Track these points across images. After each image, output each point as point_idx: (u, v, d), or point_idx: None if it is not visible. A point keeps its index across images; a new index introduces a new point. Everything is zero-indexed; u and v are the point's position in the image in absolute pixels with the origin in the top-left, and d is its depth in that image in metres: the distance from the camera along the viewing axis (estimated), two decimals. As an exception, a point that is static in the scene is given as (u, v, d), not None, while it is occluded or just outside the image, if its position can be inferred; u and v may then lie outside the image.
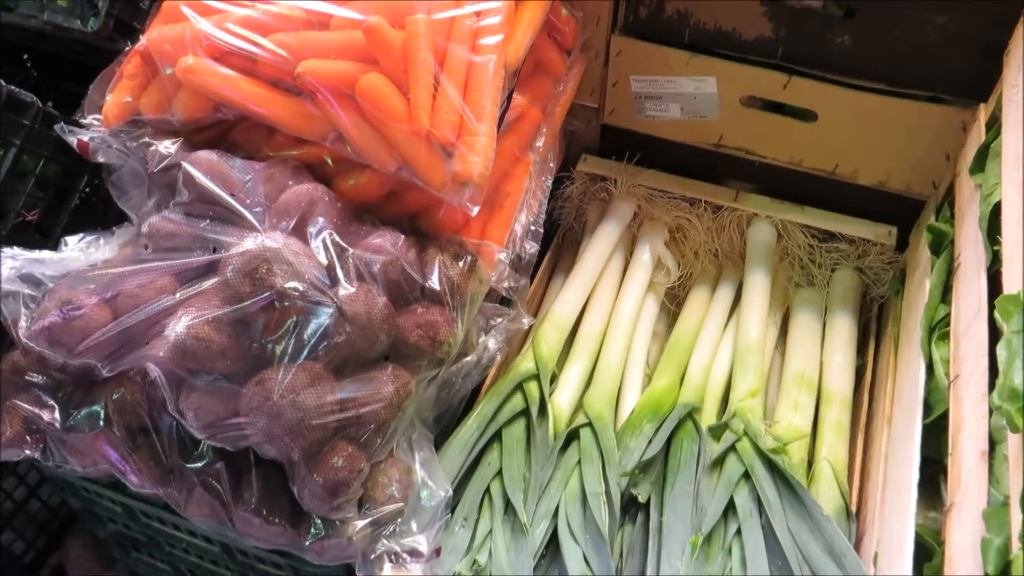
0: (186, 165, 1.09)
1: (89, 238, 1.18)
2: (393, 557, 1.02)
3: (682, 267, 1.51)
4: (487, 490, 1.18)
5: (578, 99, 1.46)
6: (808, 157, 1.48)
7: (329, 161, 1.15)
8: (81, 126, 1.21)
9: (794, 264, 1.48)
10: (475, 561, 1.10)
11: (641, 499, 1.17)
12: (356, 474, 0.98)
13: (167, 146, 1.15)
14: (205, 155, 1.11)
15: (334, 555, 1.01)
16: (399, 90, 1.07)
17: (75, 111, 1.23)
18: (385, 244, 1.08)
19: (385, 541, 1.02)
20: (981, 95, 1.26)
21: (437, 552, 1.06)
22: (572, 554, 1.11)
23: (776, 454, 1.18)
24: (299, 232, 1.05)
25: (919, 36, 1.27)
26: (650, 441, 1.22)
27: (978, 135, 1.21)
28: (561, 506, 1.16)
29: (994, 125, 1.16)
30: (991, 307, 0.90)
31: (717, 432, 1.24)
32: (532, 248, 1.30)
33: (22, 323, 1.05)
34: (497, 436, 1.23)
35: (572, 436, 1.24)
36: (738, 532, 1.12)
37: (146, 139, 1.17)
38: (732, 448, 1.20)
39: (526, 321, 1.28)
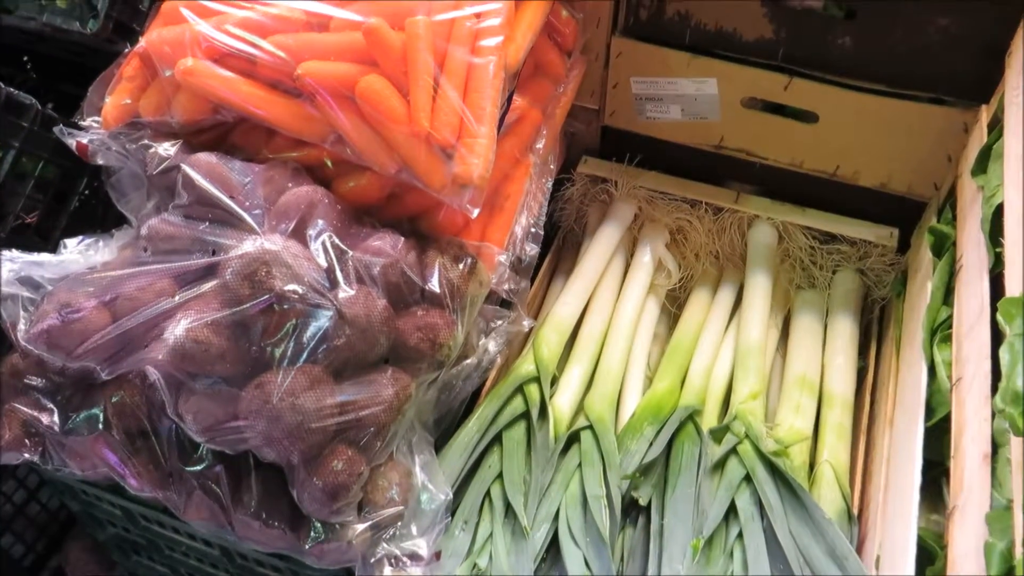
0: (185, 167, 1.09)
1: (88, 240, 1.18)
2: (393, 561, 1.02)
3: (683, 269, 1.50)
4: (487, 493, 1.18)
5: (578, 101, 1.46)
6: (809, 159, 1.47)
7: (329, 163, 1.15)
8: (80, 128, 1.21)
9: (795, 266, 1.47)
10: (475, 564, 1.10)
11: (642, 502, 1.17)
12: (356, 477, 0.98)
13: (166, 148, 1.14)
14: (204, 157, 1.11)
15: (334, 559, 1.01)
16: (399, 92, 1.06)
17: (74, 113, 1.23)
18: (385, 246, 1.07)
19: (385, 545, 1.02)
20: (983, 96, 1.26)
21: (437, 555, 1.05)
22: (573, 557, 1.10)
23: (777, 457, 1.18)
24: (298, 234, 1.05)
25: (920, 37, 1.27)
26: (651, 444, 1.22)
27: (980, 136, 1.20)
28: (562, 509, 1.15)
29: (996, 126, 1.15)
30: (993, 309, 0.89)
31: (718, 435, 1.23)
32: (532, 250, 1.29)
33: (21, 326, 1.04)
34: (497, 439, 1.23)
35: (573, 439, 1.24)
36: (739, 535, 1.12)
37: (145, 141, 1.16)
38: (733, 451, 1.20)
39: (526, 323, 1.28)
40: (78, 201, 1.32)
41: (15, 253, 1.11)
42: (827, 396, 1.31)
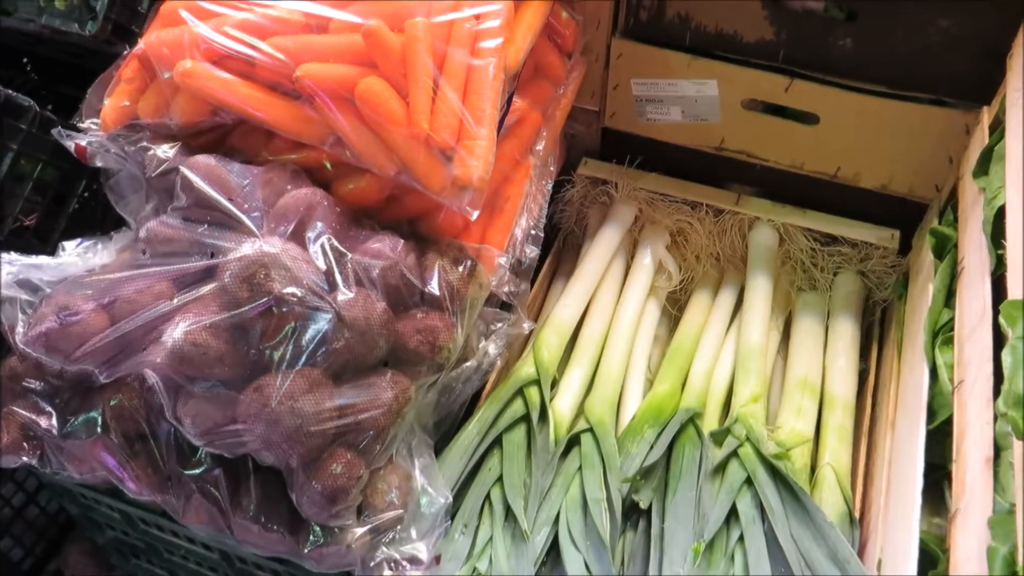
0: (184, 169, 1.09)
1: (87, 243, 1.18)
2: (392, 564, 1.01)
3: (683, 271, 1.50)
4: (487, 496, 1.17)
5: (579, 102, 1.46)
6: (810, 160, 1.47)
7: (328, 165, 1.15)
8: (79, 130, 1.21)
9: (796, 268, 1.47)
10: (475, 568, 1.10)
11: (643, 505, 1.16)
12: (355, 481, 0.97)
13: (165, 150, 1.14)
14: (203, 159, 1.10)
15: (333, 562, 1.01)
16: (398, 94, 1.06)
17: (73, 115, 1.22)
18: (384, 249, 1.07)
19: (384, 548, 1.02)
20: (984, 98, 1.26)
21: (437, 559, 1.05)
22: (573, 561, 1.10)
23: (779, 459, 1.18)
24: (297, 237, 1.05)
25: (921, 38, 1.27)
26: (651, 447, 1.22)
27: (981, 138, 1.20)
28: (562, 512, 1.15)
29: (997, 128, 1.15)
30: (995, 312, 0.89)
31: (719, 437, 1.23)
32: (532, 252, 1.29)
33: (19, 329, 1.04)
34: (497, 442, 1.22)
35: (573, 442, 1.24)
36: (740, 539, 1.11)
37: (144, 143, 1.16)
38: (734, 454, 1.19)
39: (526, 326, 1.28)
40: (77, 203, 1.32)
41: (13, 256, 1.11)
42: (828, 398, 1.30)
